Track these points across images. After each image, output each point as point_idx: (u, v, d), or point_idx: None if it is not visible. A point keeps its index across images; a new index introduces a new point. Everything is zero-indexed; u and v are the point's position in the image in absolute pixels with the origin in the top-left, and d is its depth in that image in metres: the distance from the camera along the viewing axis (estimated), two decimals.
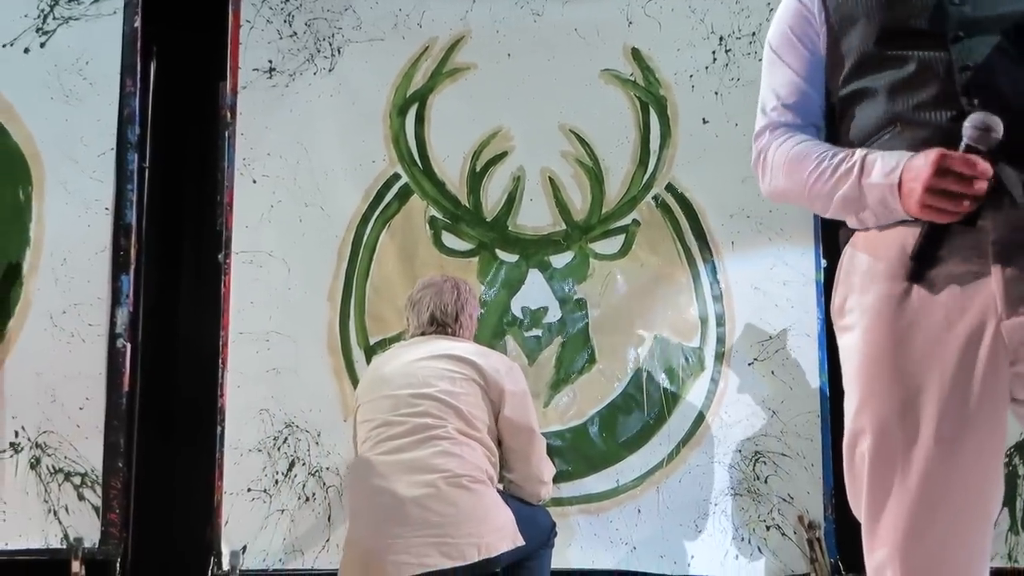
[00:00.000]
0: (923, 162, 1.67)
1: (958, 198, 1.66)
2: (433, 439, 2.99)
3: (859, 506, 1.80)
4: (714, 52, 4.15)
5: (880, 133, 1.81)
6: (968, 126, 1.65)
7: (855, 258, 1.83)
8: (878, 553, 1.75)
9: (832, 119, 1.95)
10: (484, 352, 3.23)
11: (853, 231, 1.85)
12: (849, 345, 1.82)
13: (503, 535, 2.95)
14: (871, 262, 1.79)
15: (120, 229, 3.93)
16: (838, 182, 1.80)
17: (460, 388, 3.08)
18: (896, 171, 1.71)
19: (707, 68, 4.15)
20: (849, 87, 1.86)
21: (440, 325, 3.27)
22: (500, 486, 3.17)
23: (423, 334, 3.28)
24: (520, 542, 2.98)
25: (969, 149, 1.66)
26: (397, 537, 2.88)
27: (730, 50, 4.14)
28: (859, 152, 1.79)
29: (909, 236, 1.75)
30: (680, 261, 4.06)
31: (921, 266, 1.73)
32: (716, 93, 4.13)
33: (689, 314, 4.02)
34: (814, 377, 3.96)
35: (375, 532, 2.93)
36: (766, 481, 3.93)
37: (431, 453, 2.97)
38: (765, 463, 3.93)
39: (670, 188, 4.09)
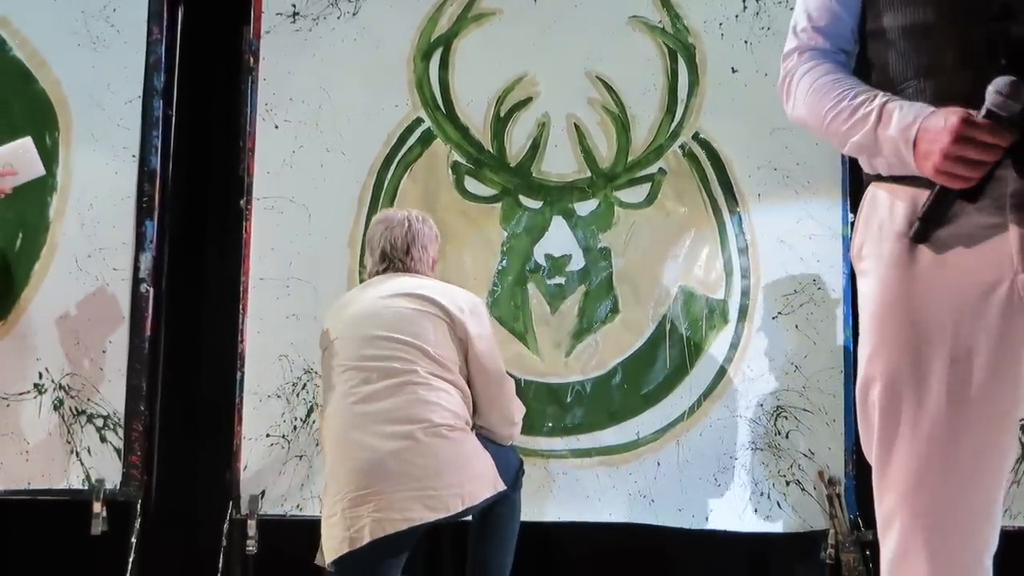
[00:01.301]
0: (942, 125, 1.61)
1: (975, 165, 1.60)
2: (406, 385, 2.92)
3: (871, 453, 1.77)
4: (744, 0, 4.06)
5: (904, 85, 1.75)
6: (992, 91, 1.57)
7: (875, 203, 1.79)
8: (886, 500, 1.72)
9: (865, 47, 1.88)
10: (447, 290, 3.13)
11: (876, 175, 1.80)
12: (865, 291, 1.79)
13: (484, 482, 2.91)
14: (890, 210, 1.75)
15: (145, 175, 3.95)
16: (854, 126, 1.75)
17: (426, 328, 3.00)
18: (913, 127, 1.66)
19: (737, 16, 4.06)
20: (878, 23, 1.80)
21: (391, 260, 3.18)
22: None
23: (378, 272, 3.20)
24: (501, 487, 2.94)
25: (990, 114, 1.58)
26: (379, 493, 2.82)
27: None
28: (879, 98, 1.74)
29: (923, 193, 1.70)
30: (706, 212, 3.99)
31: (928, 227, 1.68)
32: (746, 42, 4.05)
33: (714, 266, 3.96)
34: (838, 332, 3.90)
35: (356, 489, 2.87)
36: (787, 436, 3.87)
37: (406, 401, 2.91)
38: (787, 418, 3.87)
39: (697, 137, 4.02)
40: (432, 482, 2.84)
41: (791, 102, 1.91)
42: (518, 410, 3.20)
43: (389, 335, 2.99)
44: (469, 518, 3.12)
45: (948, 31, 1.70)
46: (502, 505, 3.05)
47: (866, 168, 1.82)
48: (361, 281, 3.83)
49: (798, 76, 1.88)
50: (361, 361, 2.99)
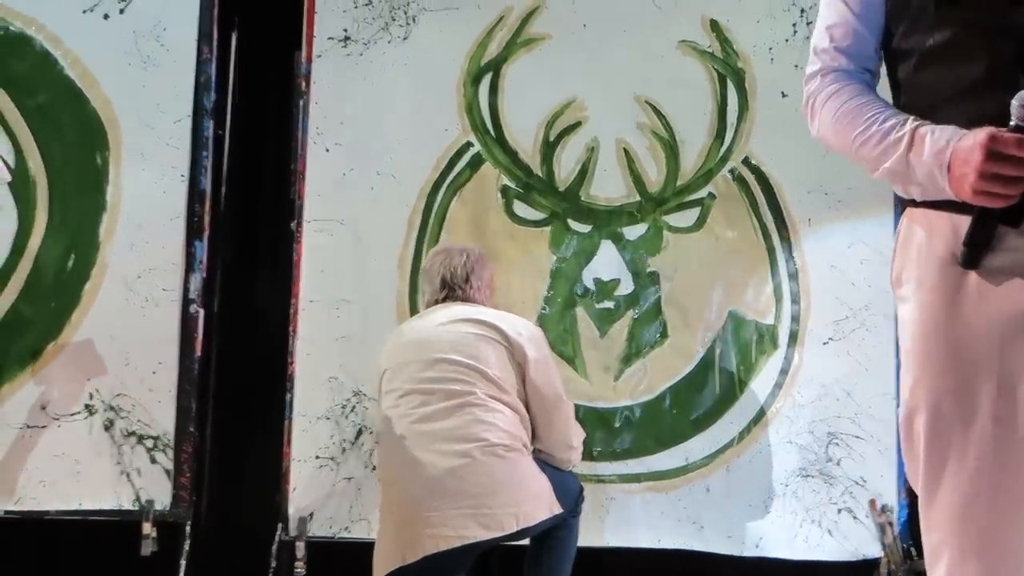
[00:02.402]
0: (972, 144, 1.59)
1: (1013, 181, 1.57)
2: (464, 406, 2.96)
3: (917, 483, 1.75)
4: (795, 24, 4.06)
5: (937, 107, 1.72)
6: (1016, 104, 1.55)
7: (912, 229, 1.76)
8: (934, 532, 1.70)
9: (894, 66, 1.85)
10: (504, 316, 3.20)
11: (911, 200, 1.77)
12: (905, 318, 1.76)
13: (540, 503, 2.92)
14: (928, 236, 1.72)
15: (195, 195, 3.97)
16: (885, 152, 1.72)
17: (485, 351, 3.05)
18: (946, 151, 1.63)
19: (787, 41, 4.06)
20: (907, 42, 1.77)
21: (451, 288, 3.25)
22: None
23: (438, 301, 3.26)
24: (557, 510, 2.95)
25: (1018, 129, 1.56)
26: (434, 510, 2.85)
27: (811, 23, 4.01)
28: (910, 122, 1.70)
29: (962, 219, 1.67)
30: (756, 236, 3.99)
31: (974, 252, 1.66)
32: (796, 66, 4.03)
33: (764, 291, 3.95)
34: (890, 358, 3.87)
35: (411, 505, 2.89)
36: (839, 463, 3.85)
37: (464, 421, 2.94)
38: (838, 445, 3.86)
39: (747, 162, 4.02)
40: (487, 500, 2.86)
41: (815, 124, 1.88)
42: (577, 434, 3.22)
43: (449, 358, 3.04)
44: (525, 542, 3.13)
45: (981, 51, 1.67)
46: (560, 529, 3.07)
47: (900, 193, 1.79)
48: (412, 305, 3.87)
49: (823, 98, 1.85)
50: (421, 384, 3.04)
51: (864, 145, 1.75)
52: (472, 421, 2.95)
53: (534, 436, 3.15)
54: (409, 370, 3.08)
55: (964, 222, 1.66)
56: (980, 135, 1.58)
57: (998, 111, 1.60)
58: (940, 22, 1.71)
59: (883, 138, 1.72)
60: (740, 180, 4.01)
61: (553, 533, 3.10)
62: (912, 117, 1.71)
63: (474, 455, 2.89)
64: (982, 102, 1.65)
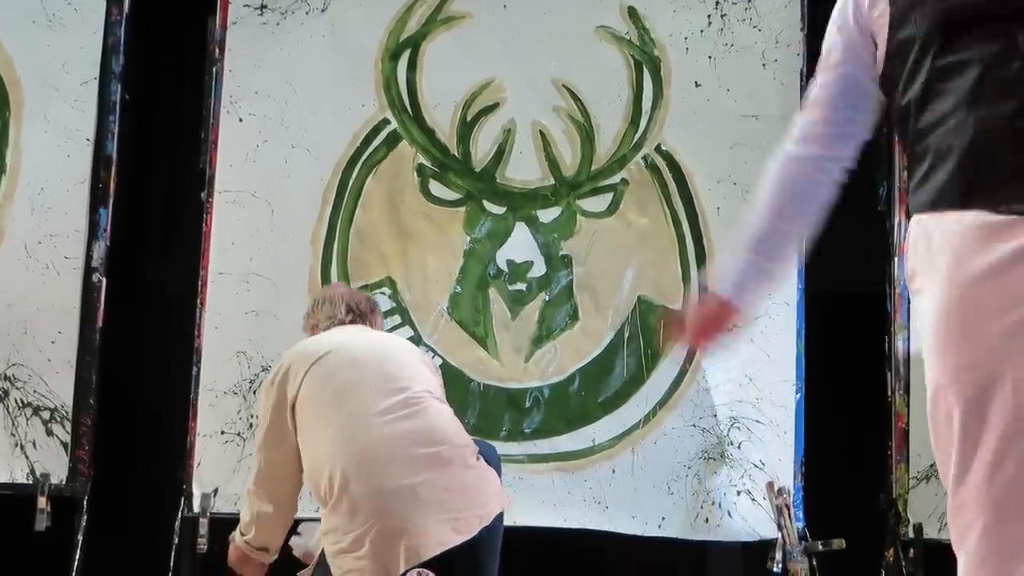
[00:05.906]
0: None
1: None
2: (422, 408, 2.76)
3: (947, 467, 1.69)
4: (709, 16, 4.13)
5: (945, 119, 1.70)
6: None
7: (927, 232, 1.74)
8: (964, 518, 1.65)
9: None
10: None
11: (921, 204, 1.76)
12: (926, 308, 1.73)
13: (498, 501, 2.81)
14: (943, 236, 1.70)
15: (100, 161, 3.88)
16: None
17: (419, 361, 2.94)
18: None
19: (702, 32, 4.12)
20: (912, 90, 1.75)
21: (357, 314, 3.01)
22: None
23: (344, 323, 2.99)
24: (505, 502, 2.86)
25: None
26: (409, 519, 2.63)
27: (725, 15, 4.12)
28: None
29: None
30: (666, 223, 4.05)
31: None
32: (710, 57, 4.11)
33: (673, 276, 4.03)
34: (791, 346, 3.99)
35: (387, 516, 2.65)
36: (739, 447, 3.95)
37: (425, 422, 2.74)
38: (739, 429, 3.96)
39: (659, 149, 4.08)
40: (458, 504, 2.68)
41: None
42: None
43: (397, 359, 2.88)
44: None
45: (988, 62, 1.66)
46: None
47: None
48: (325, 281, 3.86)
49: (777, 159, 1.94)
50: (368, 388, 2.78)
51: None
52: (435, 421, 2.76)
53: None
54: (349, 375, 2.80)
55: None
56: None
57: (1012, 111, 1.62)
58: (950, 48, 1.69)
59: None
60: (653, 167, 4.07)
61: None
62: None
63: (443, 456, 2.71)
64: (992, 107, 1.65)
